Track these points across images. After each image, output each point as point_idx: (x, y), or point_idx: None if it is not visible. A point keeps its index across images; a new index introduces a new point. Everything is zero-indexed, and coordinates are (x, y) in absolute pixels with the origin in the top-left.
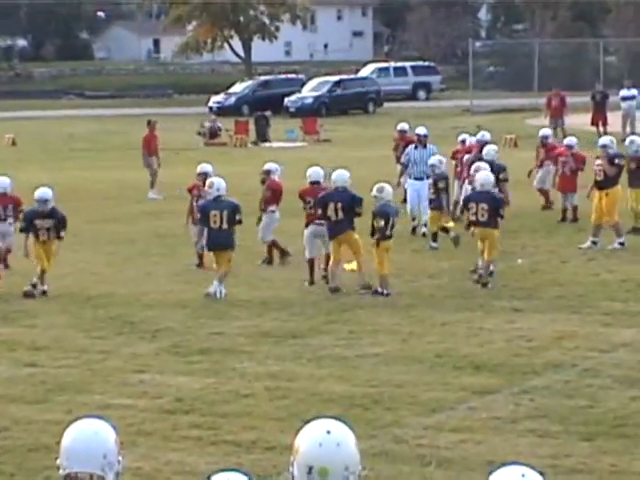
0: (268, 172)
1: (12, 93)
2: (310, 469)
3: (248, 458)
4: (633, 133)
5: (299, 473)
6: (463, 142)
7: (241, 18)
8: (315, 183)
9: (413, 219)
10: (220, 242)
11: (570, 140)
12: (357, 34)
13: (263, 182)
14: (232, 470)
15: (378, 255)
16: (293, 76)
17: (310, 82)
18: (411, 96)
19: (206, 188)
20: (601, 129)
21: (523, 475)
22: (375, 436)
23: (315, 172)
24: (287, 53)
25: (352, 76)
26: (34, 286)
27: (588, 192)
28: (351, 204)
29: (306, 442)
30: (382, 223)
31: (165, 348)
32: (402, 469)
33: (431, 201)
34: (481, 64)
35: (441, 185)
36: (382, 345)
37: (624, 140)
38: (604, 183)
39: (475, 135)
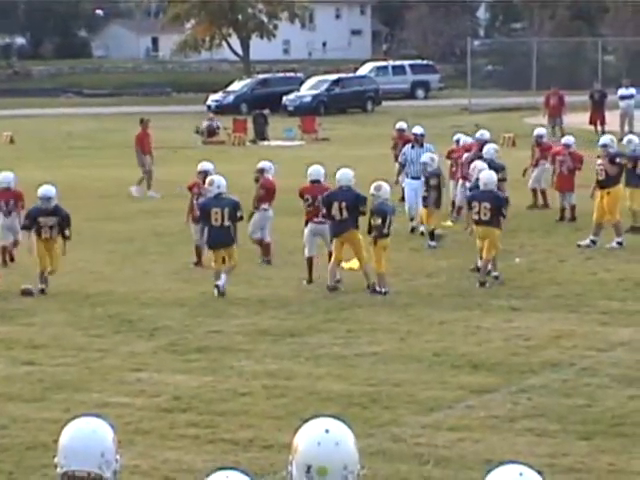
0: (262, 170)
1: (10, 91)
2: (309, 468)
3: (245, 456)
4: (631, 132)
5: (297, 472)
6: (457, 142)
7: (239, 16)
8: (315, 182)
9: (411, 219)
10: (222, 239)
11: (567, 139)
12: (356, 33)
13: (257, 180)
14: (230, 469)
15: (375, 253)
16: (292, 75)
17: (308, 81)
18: (409, 95)
19: (206, 186)
20: (599, 128)
21: (521, 474)
22: (373, 435)
23: (316, 170)
24: (285, 51)
25: (351, 75)
26: (42, 291)
27: (591, 192)
28: (355, 203)
29: (305, 441)
30: (379, 221)
31: (163, 346)
32: (400, 468)
33: (424, 199)
34: (479, 63)
35: (433, 182)
36: (380, 344)
37: (622, 139)
38: (606, 182)
39: (470, 135)
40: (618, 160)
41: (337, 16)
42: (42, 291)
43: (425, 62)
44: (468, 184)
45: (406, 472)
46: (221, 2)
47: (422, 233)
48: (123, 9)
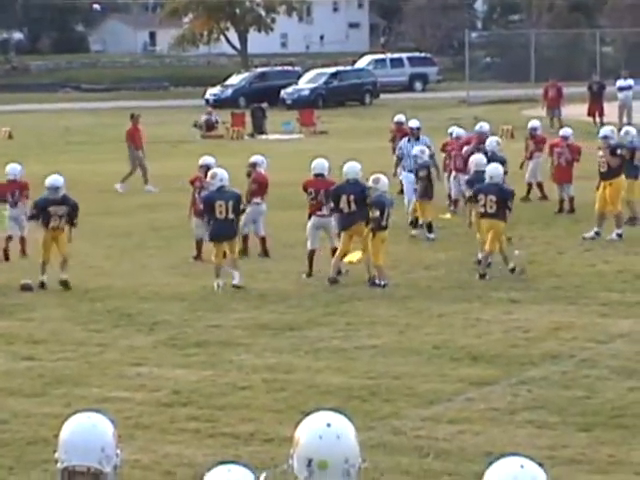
0: (254, 165)
1: (8, 86)
2: (310, 461)
3: (246, 450)
4: (630, 123)
5: (299, 465)
6: (452, 134)
7: (237, 10)
8: (319, 175)
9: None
10: (225, 232)
11: (565, 131)
12: (353, 25)
13: (249, 175)
14: (231, 462)
15: (374, 245)
16: (289, 68)
17: (306, 74)
18: (408, 87)
19: (209, 179)
20: (598, 120)
21: (522, 466)
22: (373, 428)
23: (320, 164)
24: (283, 45)
25: (348, 68)
26: (42, 284)
27: (597, 185)
28: (363, 196)
29: (306, 434)
30: (377, 213)
31: (162, 341)
32: (400, 460)
33: (416, 191)
34: (477, 55)
35: (421, 174)
36: (379, 337)
37: (620, 130)
38: (607, 174)
39: (465, 128)
40: (619, 151)
41: (335, 9)
42: (42, 284)
43: (423, 55)
44: (462, 176)
45: (407, 465)
46: None
47: (421, 225)
48: (120, 3)
